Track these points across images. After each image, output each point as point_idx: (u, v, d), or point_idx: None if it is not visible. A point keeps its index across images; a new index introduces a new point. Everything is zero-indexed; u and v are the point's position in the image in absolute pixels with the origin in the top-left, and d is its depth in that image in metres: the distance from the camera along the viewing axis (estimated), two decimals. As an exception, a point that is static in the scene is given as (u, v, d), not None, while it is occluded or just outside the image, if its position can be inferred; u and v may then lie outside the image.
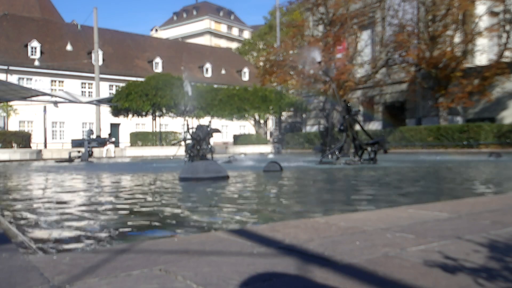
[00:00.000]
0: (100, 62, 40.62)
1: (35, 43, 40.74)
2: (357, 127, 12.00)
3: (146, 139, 29.96)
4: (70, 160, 19.04)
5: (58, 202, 4.60)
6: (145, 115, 29.33)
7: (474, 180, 7.15)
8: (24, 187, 6.76)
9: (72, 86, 41.01)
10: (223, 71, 54.63)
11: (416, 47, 25.54)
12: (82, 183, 7.50)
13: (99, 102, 29.84)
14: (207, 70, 52.96)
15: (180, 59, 52.14)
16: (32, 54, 40.56)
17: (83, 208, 4.15)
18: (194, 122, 25.66)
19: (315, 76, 28.94)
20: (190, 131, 12.50)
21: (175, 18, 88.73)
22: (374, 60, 28.93)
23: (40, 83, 39.31)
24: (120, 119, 33.46)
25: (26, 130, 34.72)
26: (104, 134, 30.79)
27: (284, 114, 38.86)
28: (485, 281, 1.42)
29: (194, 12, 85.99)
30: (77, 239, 2.67)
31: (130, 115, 29.39)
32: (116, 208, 4.14)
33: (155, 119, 30.26)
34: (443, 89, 24.79)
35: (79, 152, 20.70)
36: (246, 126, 46.97)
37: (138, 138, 30.40)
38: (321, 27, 30.78)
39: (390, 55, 27.24)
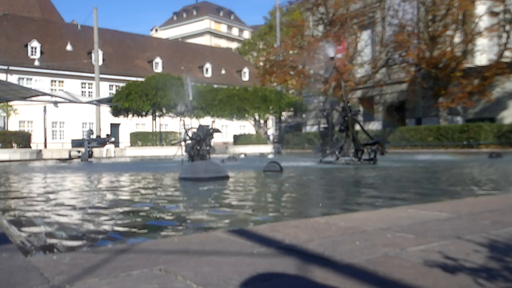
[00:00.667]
0: (100, 62, 40.61)
1: (35, 43, 40.74)
2: (357, 127, 12.01)
3: (146, 139, 29.96)
4: (70, 159, 19.10)
5: (58, 202, 4.60)
6: (145, 115, 29.34)
7: (474, 180, 7.14)
8: (24, 187, 6.76)
9: (72, 86, 41.01)
10: (223, 71, 54.62)
11: (416, 47, 25.54)
12: (82, 183, 7.50)
13: (99, 102, 29.84)
14: (207, 70, 52.95)
15: (180, 59, 52.14)
16: (32, 54, 40.56)
17: (83, 208, 4.15)
18: (194, 122, 25.67)
19: (315, 76, 28.96)
20: (190, 131, 12.51)
21: (175, 18, 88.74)
22: (374, 60, 28.94)
23: (40, 83, 39.30)
24: (120, 119, 33.46)
25: (26, 130, 34.71)
26: (103, 134, 30.76)
27: (284, 114, 38.86)
28: (485, 281, 1.42)
29: (194, 12, 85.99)
30: (77, 239, 2.68)
31: (130, 115, 29.40)
32: (116, 208, 4.14)
33: (155, 119, 30.27)
34: (443, 89, 24.80)
35: (79, 152, 20.72)
36: (246, 126, 46.97)
37: (138, 138, 30.40)
38: (321, 27, 30.79)
39: (390, 55, 27.25)
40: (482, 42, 25.67)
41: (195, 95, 22.52)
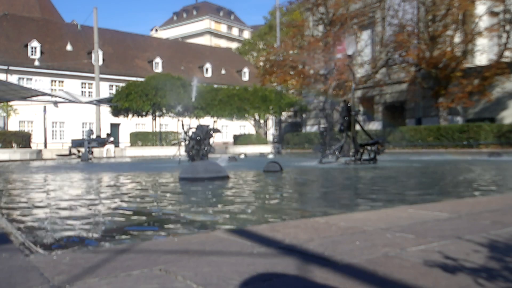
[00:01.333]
0: (100, 62, 40.61)
1: (35, 43, 40.73)
2: (357, 127, 12.00)
3: (146, 139, 29.95)
4: (70, 154, 19.25)
5: (58, 202, 4.60)
6: (145, 115, 29.33)
7: (474, 180, 7.14)
8: (24, 187, 6.76)
9: (72, 86, 41.00)
10: (223, 71, 54.62)
11: (416, 47, 25.53)
12: (82, 183, 7.50)
13: (99, 102, 29.83)
14: (207, 70, 52.95)
15: (180, 59, 52.13)
16: (32, 54, 40.55)
17: (83, 208, 4.15)
18: (193, 122, 25.66)
19: (315, 76, 28.95)
20: (190, 131, 12.49)
21: (175, 18, 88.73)
22: (374, 60, 28.93)
23: (40, 83, 39.29)
24: (120, 119, 33.45)
25: (26, 130, 34.70)
26: (103, 134, 30.79)
27: (284, 114, 38.86)
28: (485, 281, 1.42)
29: (194, 12, 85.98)
30: (77, 239, 2.67)
31: (130, 115, 29.38)
32: (116, 208, 4.14)
33: (155, 119, 30.26)
34: (443, 89, 24.79)
35: (78, 152, 20.76)
36: (246, 126, 46.97)
37: (138, 138, 30.39)
38: (321, 27, 30.77)
39: (390, 55, 27.24)
40: (482, 42, 25.66)
41: (196, 95, 22.55)
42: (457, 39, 25.06)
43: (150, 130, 32.70)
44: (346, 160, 10.98)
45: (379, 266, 1.59)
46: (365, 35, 30.42)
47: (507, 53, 24.40)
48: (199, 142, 12.01)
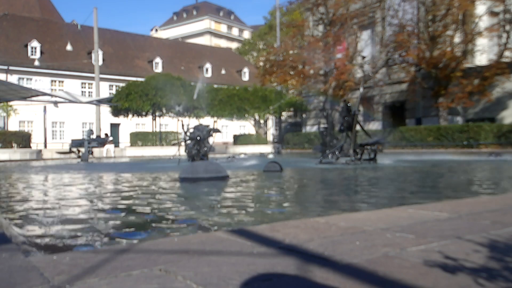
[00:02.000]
0: (100, 62, 40.60)
1: (35, 43, 40.72)
2: (357, 127, 12.00)
3: (146, 139, 29.96)
4: (70, 152, 19.35)
5: (58, 202, 4.60)
6: (145, 115, 29.34)
7: (474, 179, 7.14)
8: (24, 187, 6.76)
9: (72, 86, 40.99)
10: (223, 71, 54.61)
11: (416, 47, 25.53)
12: (82, 183, 7.50)
13: (99, 102, 29.82)
14: (207, 70, 52.93)
15: (180, 59, 52.12)
16: (32, 54, 40.54)
17: (83, 208, 4.15)
18: (194, 123, 25.66)
19: (315, 76, 28.95)
20: (189, 131, 12.48)
21: (175, 18, 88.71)
22: (374, 60, 28.93)
23: (40, 83, 39.28)
24: (120, 119, 33.45)
25: (26, 130, 34.70)
26: (103, 134, 30.79)
27: (284, 114, 38.87)
28: (485, 281, 1.42)
29: (194, 12, 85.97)
30: (77, 239, 2.67)
31: (130, 115, 29.39)
32: (116, 208, 4.14)
33: (155, 119, 30.26)
34: (443, 89, 24.79)
35: (78, 151, 20.76)
36: (246, 126, 46.97)
37: (138, 138, 30.40)
38: (321, 27, 30.77)
39: (390, 55, 27.24)
40: (482, 42, 25.66)
41: (197, 95, 22.57)
42: (457, 39, 25.06)
43: (150, 130, 32.71)
44: (346, 160, 10.98)
45: (379, 266, 1.59)
46: (365, 35, 30.42)
47: (507, 53, 24.39)
48: (199, 142, 12.00)
